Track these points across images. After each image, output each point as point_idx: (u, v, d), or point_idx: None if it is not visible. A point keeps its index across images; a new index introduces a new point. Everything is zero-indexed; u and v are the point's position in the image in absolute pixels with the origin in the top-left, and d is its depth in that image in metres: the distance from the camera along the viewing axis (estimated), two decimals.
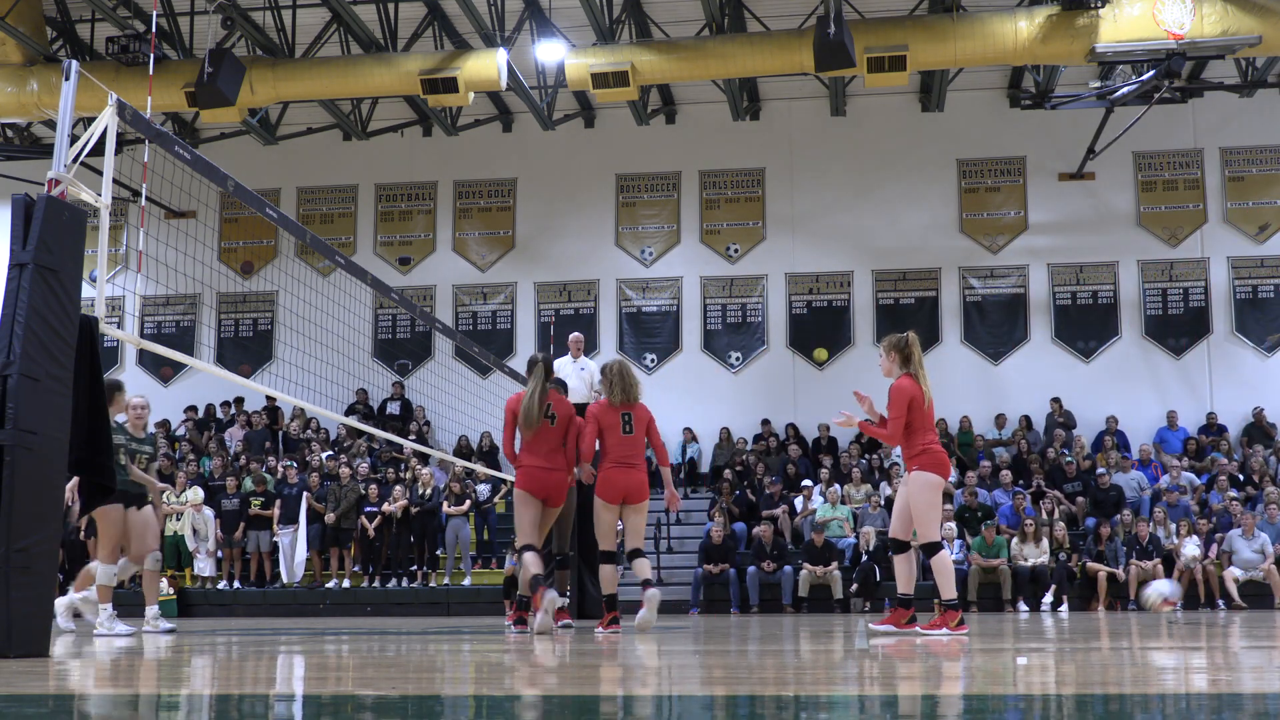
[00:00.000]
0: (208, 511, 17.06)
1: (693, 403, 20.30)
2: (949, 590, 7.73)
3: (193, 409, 20.95)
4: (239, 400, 20.89)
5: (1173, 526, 16.26)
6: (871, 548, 16.14)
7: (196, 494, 17.11)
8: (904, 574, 8.00)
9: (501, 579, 12.65)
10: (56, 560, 5.88)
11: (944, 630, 7.54)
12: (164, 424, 20.37)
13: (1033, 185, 20.45)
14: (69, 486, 7.71)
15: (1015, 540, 16.11)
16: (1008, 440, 19.20)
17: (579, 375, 12.67)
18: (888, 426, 7.79)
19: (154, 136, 6.74)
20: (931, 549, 7.72)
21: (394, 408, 20.41)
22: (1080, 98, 18.24)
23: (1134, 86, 16.60)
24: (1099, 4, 15.22)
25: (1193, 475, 17.79)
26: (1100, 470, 17.57)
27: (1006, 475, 17.79)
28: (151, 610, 9.55)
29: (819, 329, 20.54)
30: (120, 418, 9.23)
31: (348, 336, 16.87)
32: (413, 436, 18.64)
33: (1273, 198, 19.97)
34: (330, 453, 18.86)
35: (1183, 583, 15.68)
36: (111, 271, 18.83)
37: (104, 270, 6.32)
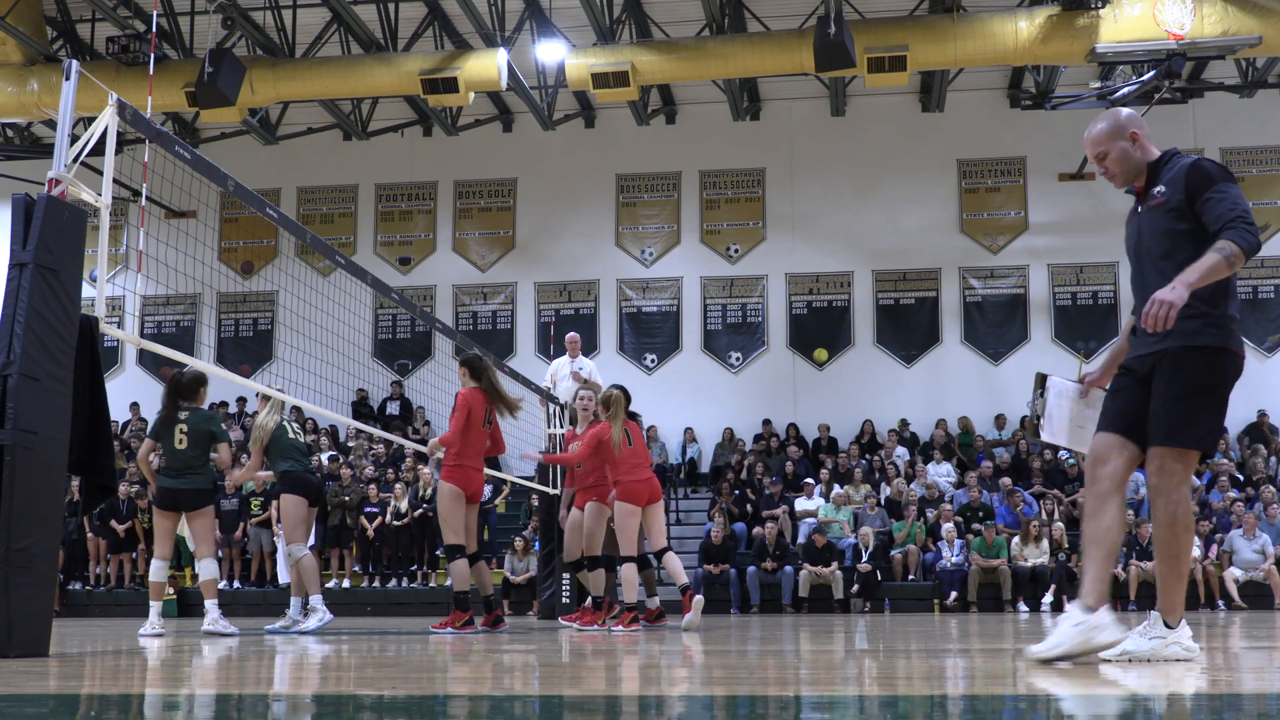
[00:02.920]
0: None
1: (693, 403, 20.31)
2: (630, 596, 9.17)
3: None
4: (240, 401, 20.89)
5: None
6: (872, 549, 16.17)
7: None
8: (629, 582, 9.22)
9: (500, 579, 12.68)
10: (57, 560, 5.88)
11: (620, 627, 9.02)
12: None
13: (1033, 185, 20.46)
14: None
15: (1015, 540, 16.11)
16: (1008, 440, 19.20)
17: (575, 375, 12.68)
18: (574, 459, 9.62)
19: (154, 136, 6.74)
20: (622, 560, 9.23)
21: (394, 407, 20.42)
22: (1080, 98, 18.24)
23: (1134, 87, 16.61)
24: (1099, 4, 15.22)
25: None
26: None
27: (1007, 481, 17.71)
28: (296, 602, 9.62)
29: (819, 329, 20.55)
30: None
31: (348, 336, 16.85)
32: (415, 437, 18.65)
33: (1273, 198, 19.97)
34: (332, 453, 18.86)
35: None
36: (111, 271, 18.83)
37: (104, 270, 6.31)
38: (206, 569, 8.79)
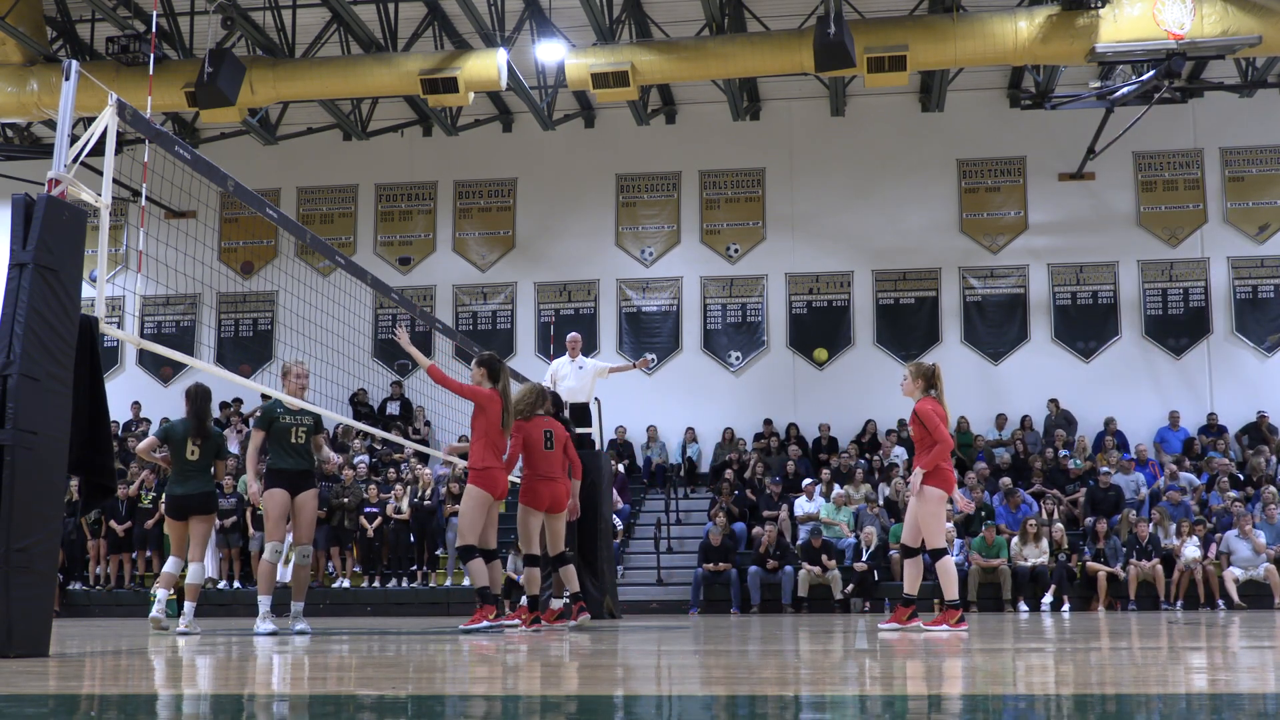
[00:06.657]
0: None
1: (693, 403, 20.30)
2: (951, 591, 8.53)
3: None
4: (237, 401, 20.88)
5: (1172, 527, 16.25)
6: (873, 548, 16.14)
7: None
8: (911, 576, 8.79)
9: (503, 579, 12.62)
10: (57, 560, 5.88)
11: (944, 626, 8.31)
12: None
13: (1033, 185, 20.45)
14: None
15: (1015, 540, 16.11)
16: (1008, 440, 19.19)
17: (577, 375, 12.68)
18: (933, 437, 8.35)
19: (154, 136, 6.74)
20: (937, 554, 8.51)
21: (394, 408, 20.41)
22: (1080, 98, 18.24)
23: (1134, 86, 16.60)
24: (1099, 4, 15.21)
25: (1193, 476, 17.77)
26: (1102, 470, 17.56)
27: (1007, 481, 17.70)
28: (296, 607, 9.18)
29: (819, 329, 20.54)
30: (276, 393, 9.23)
31: (348, 336, 16.84)
32: (415, 436, 18.64)
33: (1273, 198, 19.97)
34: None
35: (1182, 583, 15.70)
36: (111, 271, 18.84)
37: (104, 270, 6.32)
38: (195, 573, 9.21)
